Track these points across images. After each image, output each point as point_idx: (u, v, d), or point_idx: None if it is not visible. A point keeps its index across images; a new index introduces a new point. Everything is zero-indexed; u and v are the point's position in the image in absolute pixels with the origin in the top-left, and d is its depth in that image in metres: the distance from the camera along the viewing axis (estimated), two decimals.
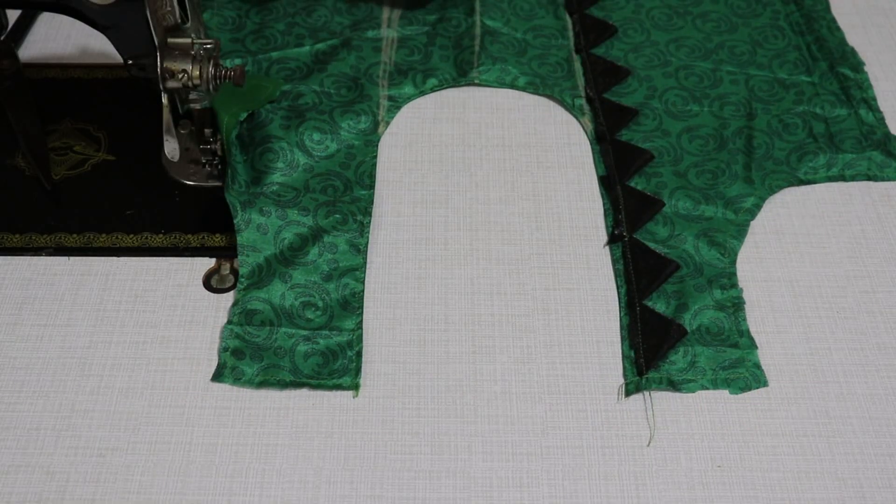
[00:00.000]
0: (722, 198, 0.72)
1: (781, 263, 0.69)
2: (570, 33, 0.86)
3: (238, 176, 0.69)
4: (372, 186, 0.72)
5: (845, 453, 0.59)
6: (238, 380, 0.61)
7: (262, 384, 0.61)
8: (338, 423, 0.60)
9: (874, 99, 0.80)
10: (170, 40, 0.64)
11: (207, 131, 0.70)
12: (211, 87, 0.65)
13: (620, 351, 0.64)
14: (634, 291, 0.66)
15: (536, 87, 0.80)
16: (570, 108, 0.79)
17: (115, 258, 0.68)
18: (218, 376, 0.61)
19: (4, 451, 0.58)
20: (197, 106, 0.69)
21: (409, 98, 0.79)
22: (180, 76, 0.63)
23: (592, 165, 0.75)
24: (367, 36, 0.83)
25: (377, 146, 0.75)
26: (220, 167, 0.72)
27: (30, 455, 0.58)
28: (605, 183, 0.73)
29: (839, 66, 0.82)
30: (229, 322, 0.63)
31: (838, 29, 0.86)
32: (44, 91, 0.79)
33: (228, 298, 0.66)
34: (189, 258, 0.68)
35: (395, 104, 0.79)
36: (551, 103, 0.80)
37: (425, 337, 0.64)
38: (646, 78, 0.81)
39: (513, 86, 0.80)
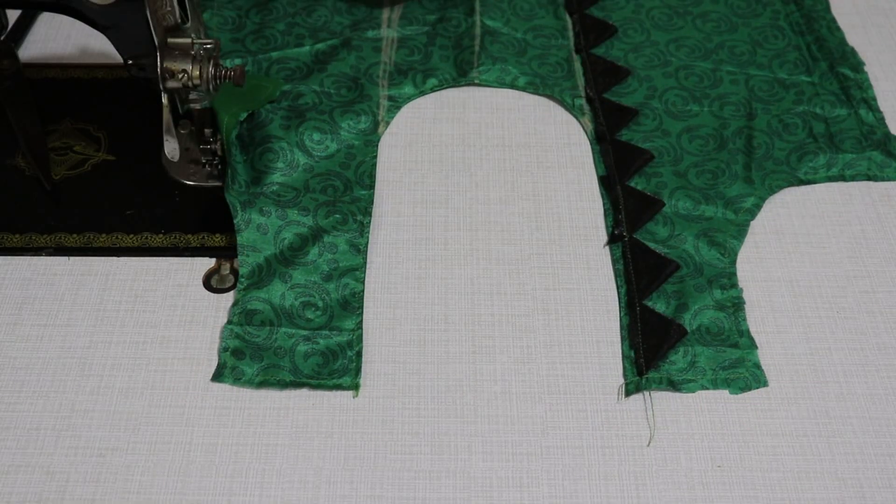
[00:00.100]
0: (722, 198, 0.72)
1: (781, 263, 0.69)
2: (570, 33, 0.86)
3: (238, 176, 0.70)
4: (372, 186, 0.72)
5: (845, 453, 0.59)
6: (238, 380, 0.61)
7: (262, 384, 0.61)
8: (338, 423, 0.60)
9: (874, 99, 0.80)
10: (170, 40, 0.64)
11: (207, 131, 0.70)
12: (211, 87, 0.65)
13: (620, 351, 0.64)
14: (634, 291, 0.66)
15: (536, 87, 0.80)
16: (570, 108, 0.79)
17: (115, 258, 0.68)
18: (218, 376, 0.61)
19: (4, 451, 0.58)
20: (197, 106, 0.69)
21: (409, 98, 0.79)
22: (180, 76, 0.63)
23: (592, 165, 0.75)
24: (367, 36, 0.83)
25: (377, 146, 0.75)
26: (220, 167, 0.72)
27: (30, 455, 0.58)
28: (605, 183, 0.73)
29: (839, 66, 0.82)
30: (229, 322, 0.63)
31: (838, 29, 0.86)
32: (44, 91, 0.79)
33: (228, 298, 0.66)
34: (189, 258, 0.68)
35: (395, 104, 0.79)
36: (551, 103, 0.80)
37: (425, 337, 0.64)
38: (646, 78, 0.81)
39: (513, 86, 0.80)
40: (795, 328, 0.65)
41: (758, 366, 0.63)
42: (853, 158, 0.75)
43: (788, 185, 0.74)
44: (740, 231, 0.70)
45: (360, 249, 0.68)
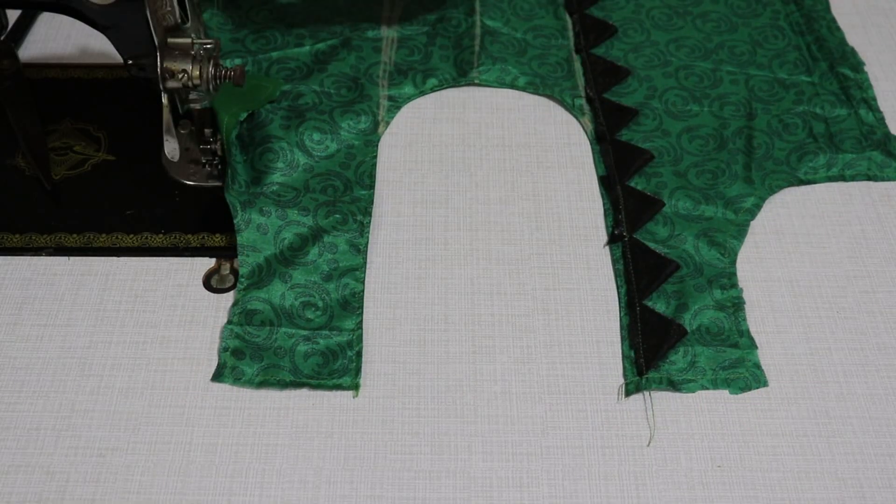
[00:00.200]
0: (722, 198, 0.72)
1: (781, 263, 0.69)
2: (570, 33, 0.86)
3: (238, 176, 0.69)
4: (372, 186, 0.72)
5: (845, 453, 0.59)
6: (238, 380, 0.61)
7: (262, 384, 0.61)
8: (338, 423, 0.60)
9: (874, 99, 0.80)
10: (170, 40, 0.64)
11: (207, 131, 0.70)
12: (211, 87, 0.65)
13: (620, 351, 0.64)
14: (634, 291, 0.66)
15: (536, 87, 0.80)
16: (570, 108, 0.79)
17: (115, 258, 0.68)
18: (218, 376, 0.61)
19: (4, 451, 0.58)
20: (197, 106, 0.69)
21: (409, 98, 0.79)
22: (180, 76, 0.63)
23: (592, 165, 0.75)
24: (367, 36, 0.83)
25: (377, 146, 0.75)
26: (220, 167, 0.72)
27: (30, 455, 0.58)
28: (605, 183, 0.73)
29: (839, 66, 0.82)
30: (229, 322, 0.63)
31: (838, 29, 0.86)
32: (44, 91, 0.79)
33: (228, 298, 0.66)
34: (189, 258, 0.68)
35: (395, 104, 0.79)
36: (551, 103, 0.80)
37: (425, 337, 0.64)
38: (646, 78, 0.81)
39: (513, 86, 0.80)
40: (795, 328, 0.65)
41: (758, 366, 0.63)
42: (853, 158, 0.75)
43: (788, 185, 0.74)
44: (740, 231, 0.70)
45: (360, 249, 0.68)
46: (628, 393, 0.61)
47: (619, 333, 0.65)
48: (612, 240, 0.70)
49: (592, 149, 0.76)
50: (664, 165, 0.74)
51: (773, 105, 0.80)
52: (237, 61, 0.80)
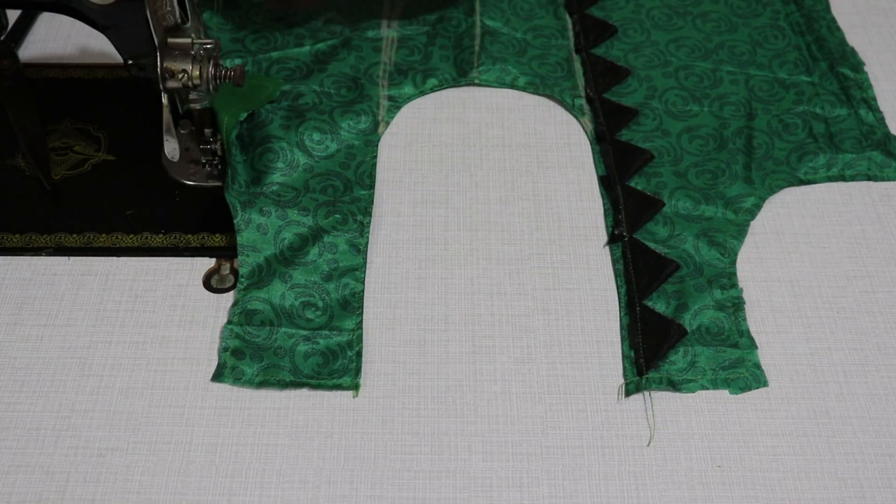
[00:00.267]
0: (722, 198, 0.72)
1: (781, 263, 0.69)
2: (570, 33, 0.86)
3: (238, 176, 0.69)
4: (372, 186, 0.72)
5: (845, 453, 0.59)
6: (238, 380, 0.61)
7: (262, 384, 0.61)
8: (338, 423, 0.60)
9: (874, 99, 0.80)
10: (170, 40, 0.64)
11: (207, 131, 0.70)
12: (211, 87, 0.65)
13: (620, 351, 0.64)
14: (634, 291, 0.66)
15: (536, 87, 0.80)
16: (570, 108, 0.79)
17: (115, 258, 0.68)
18: (218, 376, 0.61)
19: (4, 451, 0.58)
20: (197, 106, 0.69)
21: (409, 98, 0.79)
22: (180, 76, 0.63)
23: (592, 165, 0.75)
24: (367, 36, 0.83)
25: (377, 146, 0.75)
26: (220, 167, 0.72)
27: (30, 455, 0.58)
28: (605, 183, 0.73)
29: (839, 66, 0.82)
30: (229, 322, 0.63)
31: (838, 29, 0.86)
32: (44, 91, 0.79)
33: (228, 298, 0.66)
34: (189, 258, 0.68)
35: (395, 104, 0.79)
36: (551, 103, 0.80)
37: (425, 337, 0.64)
38: (646, 78, 0.81)
39: (513, 86, 0.80)
40: (795, 328, 0.65)
41: (758, 366, 0.63)
42: (853, 158, 0.75)
43: (788, 185, 0.74)
44: (740, 231, 0.70)
45: (360, 249, 0.68)
46: (628, 393, 0.61)
47: (619, 333, 0.65)
48: (612, 240, 0.70)
49: (592, 149, 0.76)
50: (664, 165, 0.74)
51: (773, 105, 0.80)
52: (237, 61, 0.80)
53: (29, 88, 0.75)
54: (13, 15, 0.85)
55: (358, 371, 0.62)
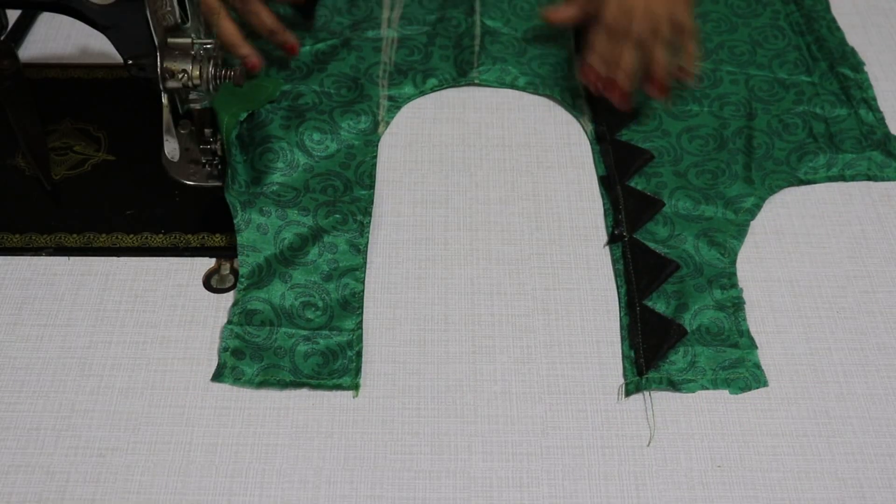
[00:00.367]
0: (722, 198, 0.72)
1: (781, 263, 0.69)
2: (570, 33, 0.86)
3: (238, 176, 0.69)
4: (372, 186, 0.72)
5: (845, 453, 0.59)
6: (238, 380, 0.61)
7: (261, 384, 0.61)
8: (338, 423, 0.60)
9: (874, 99, 0.80)
10: (170, 40, 0.64)
11: (207, 131, 0.70)
12: (211, 87, 0.65)
13: (620, 351, 0.64)
14: (634, 291, 0.66)
15: (536, 87, 0.80)
16: (570, 108, 0.79)
17: (115, 258, 0.68)
18: (218, 376, 0.61)
19: (4, 451, 0.58)
20: (197, 106, 0.69)
21: (410, 98, 0.79)
22: (180, 76, 0.63)
23: (592, 165, 0.75)
24: (367, 36, 0.84)
25: (377, 146, 0.75)
26: (220, 167, 0.72)
27: (30, 455, 0.58)
28: (605, 183, 0.73)
29: (839, 66, 0.82)
30: (229, 322, 0.63)
31: (838, 29, 0.86)
32: (44, 91, 0.79)
33: (228, 298, 0.66)
34: (189, 258, 0.68)
35: (396, 104, 0.79)
36: (551, 103, 0.80)
37: (425, 337, 0.64)
38: None
39: (513, 86, 0.81)
40: (795, 328, 0.65)
41: (758, 366, 0.63)
42: (853, 158, 0.75)
43: (788, 185, 0.74)
44: (740, 231, 0.70)
45: (360, 249, 0.68)
46: (628, 393, 0.61)
47: (619, 333, 0.65)
48: (612, 240, 0.70)
49: (592, 149, 0.76)
50: (664, 165, 0.74)
51: (773, 105, 0.80)
52: (237, 62, 0.80)
53: (29, 88, 0.75)
54: (13, 15, 0.85)
55: (358, 371, 0.62)
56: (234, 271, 0.67)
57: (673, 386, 0.62)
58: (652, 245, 0.69)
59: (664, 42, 0.75)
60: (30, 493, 0.56)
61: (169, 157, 0.66)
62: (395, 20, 0.85)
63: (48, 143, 0.74)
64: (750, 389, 0.62)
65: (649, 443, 0.59)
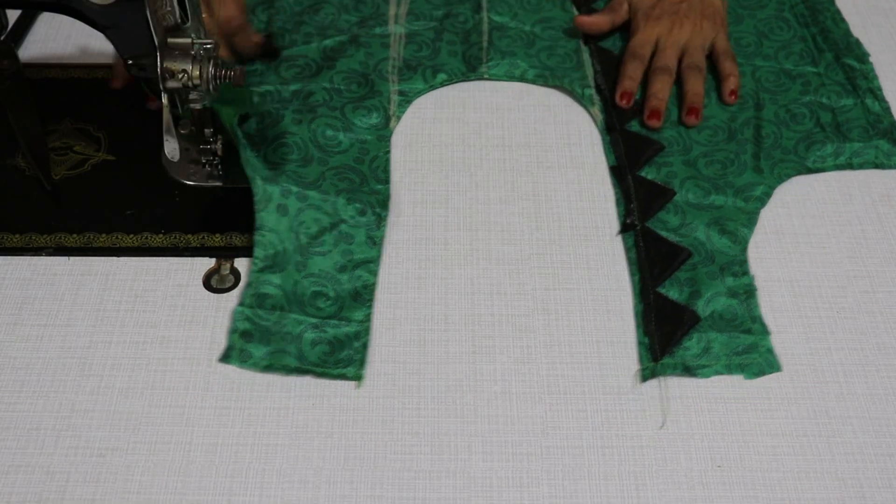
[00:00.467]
0: (732, 187, 0.73)
1: (781, 263, 0.69)
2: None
3: (252, 155, 0.69)
4: (387, 181, 0.72)
5: (845, 453, 0.59)
6: (245, 362, 0.61)
7: (267, 368, 0.61)
8: (338, 423, 0.60)
9: (880, 89, 0.81)
10: (170, 40, 0.64)
11: (207, 131, 0.70)
12: (211, 87, 0.65)
13: (635, 337, 0.64)
14: (648, 279, 0.66)
15: (546, 79, 0.81)
16: (580, 99, 0.80)
17: (115, 258, 0.68)
18: (226, 358, 0.61)
19: (4, 451, 0.58)
20: (197, 106, 0.68)
21: (420, 93, 0.80)
22: (180, 76, 0.63)
23: (593, 165, 0.75)
24: (375, 32, 0.84)
25: (390, 141, 0.76)
26: (220, 167, 0.72)
27: (30, 455, 0.58)
28: (616, 173, 0.74)
29: (844, 57, 0.83)
30: (241, 304, 0.63)
31: (843, 20, 0.87)
32: (44, 91, 0.79)
33: (228, 298, 0.66)
34: (189, 258, 0.68)
35: (406, 98, 0.79)
36: (551, 103, 0.80)
37: (425, 337, 0.64)
38: None
39: (522, 79, 0.81)
40: (795, 328, 0.65)
41: (771, 351, 0.63)
42: (860, 147, 0.76)
43: (797, 174, 0.74)
44: (750, 219, 0.71)
45: (376, 242, 0.68)
46: (644, 378, 0.62)
47: (619, 334, 0.65)
48: (625, 228, 0.70)
49: (602, 139, 0.77)
50: (674, 155, 0.75)
51: (780, 95, 0.80)
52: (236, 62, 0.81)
53: (29, 88, 0.75)
54: (13, 15, 0.85)
55: (363, 363, 0.62)
56: (234, 271, 0.67)
57: (688, 371, 0.62)
58: (664, 233, 0.69)
59: (696, 70, 0.78)
60: (30, 493, 0.56)
61: (169, 157, 0.66)
62: (401, 16, 0.86)
63: (48, 143, 0.74)
64: (764, 374, 0.62)
65: (662, 426, 0.59)
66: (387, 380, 0.62)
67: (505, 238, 0.70)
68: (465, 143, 0.77)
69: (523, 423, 0.60)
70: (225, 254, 0.68)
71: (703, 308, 0.65)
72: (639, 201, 0.71)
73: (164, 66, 0.63)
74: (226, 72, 0.65)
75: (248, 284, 0.64)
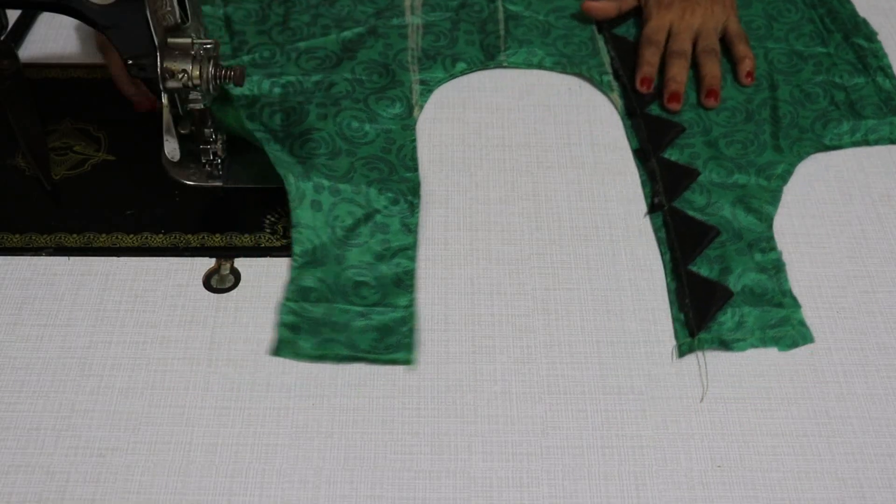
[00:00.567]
0: (753, 166, 0.74)
1: None
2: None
3: (282, 153, 0.69)
4: (416, 169, 0.73)
5: (845, 453, 0.59)
6: (297, 354, 0.62)
7: (319, 358, 0.62)
8: (338, 423, 0.60)
9: (890, 66, 0.82)
10: (170, 40, 0.64)
11: (207, 131, 0.70)
12: (211, 87, 0.65)
13: (621, 351, 0.64)
14: (679, 258, 0.67)
15: (564, 66, 0.82)
16: (599, 85, 0.81)
17: (115, 258, 0.68)
18: (277, 351, 0.62)
19: (4, 451, 0.58)
20: (197, 106, 0.68)
21: (441, 81, 0.81)
22: (180, 76, 0.63)
23: (593, 165, 0.75)
24: (392, 23, 0.85)
25: (415, 129, 0.76)
26: (220, 167, 0.72)
27: (30, 455, 0.58)
28: (640, 156, 0.75)
29: (853, 37, 0.84)
30: (286, 298, 0.64)
31: (848, 1, 0.88)
32: (44, 91, 0.79)
33: (228, 298, 0.66)
34: (189, 258, 0.68)
35: (428, 87, 0.80)
36: (550, 103, 0.80)
37: (425, 337, 0.64)
38: None
39: (540, 66, 0.82)
40: None
41: (803, 323, 0.64)
42: (875, 124, 0.77)
43: (815, 152, 0.76)
44: (774, 197, 0.72)
45: (410, 229, 0.69)
46: (682, 353, 0.63)
47: (618, 334, 0.65)
48: (652, 209, 0.70)
49: (624, 123, 0.78)
50: (695, 136, 0.76)
51: (793, 76, 0.82)
52: (265, 54, 0.81)
53: (29, 88, 0.75)
54: (13, 15, 0.85)
55: (411, 347, 0.62)
56: (234, 271, 0.67)
57: (724, 345, 0.63)
58: (691, 213, 0.70)
59: (712, 53, 0.80)
60: (30, 493, 0.56)
61: (169, 157, 0.66)
62: (417, 7, 0.86)
63: (48, 143, 0.74)
64: (797, 346, 0.63)
65: (702, 399, 0.61)
66: (387, 380, 0.62)
67: (505, 238, 0.70)
68: (465, 143, 0.77)
69: (523, 423, 0.60)
70: (225, 254, 0.68)
71: (734, 284, 0.66)
72: (664, 182, 0.72)
73: (164, 66, 0.63)
74: (226, 72, 0.65)
75: (290, 280, 0.65)
